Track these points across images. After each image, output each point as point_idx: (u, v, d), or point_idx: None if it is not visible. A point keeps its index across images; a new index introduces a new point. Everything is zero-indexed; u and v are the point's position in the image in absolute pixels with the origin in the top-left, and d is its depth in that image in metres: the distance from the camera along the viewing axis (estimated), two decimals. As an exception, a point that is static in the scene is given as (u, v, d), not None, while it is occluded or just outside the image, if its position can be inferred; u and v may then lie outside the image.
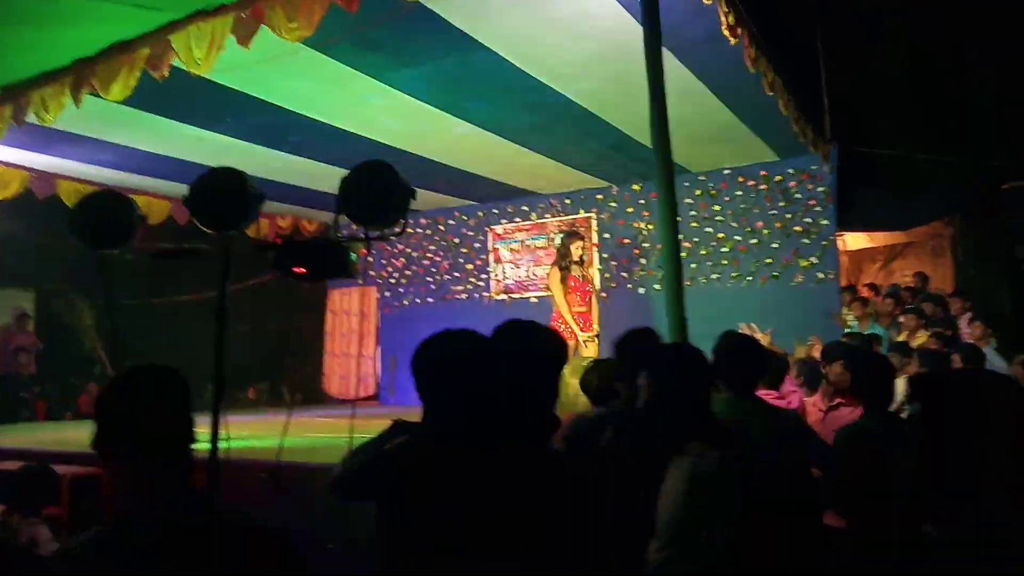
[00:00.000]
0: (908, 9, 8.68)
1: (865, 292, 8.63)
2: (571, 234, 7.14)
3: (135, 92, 5.07)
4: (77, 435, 6.14)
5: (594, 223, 9.34)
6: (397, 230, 2.70)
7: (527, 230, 9.83)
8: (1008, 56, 8.21)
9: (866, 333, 6.98)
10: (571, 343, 6.36)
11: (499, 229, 10.01)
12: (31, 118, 5.65)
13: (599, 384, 3.19)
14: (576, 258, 6.79)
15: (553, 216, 9.65)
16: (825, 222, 8.04)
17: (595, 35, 5.13)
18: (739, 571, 2.09)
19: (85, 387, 10.96)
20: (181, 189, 3.02)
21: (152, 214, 8.54)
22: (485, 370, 1.98)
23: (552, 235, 9.61)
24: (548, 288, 6.99)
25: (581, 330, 6.58)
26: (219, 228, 2.74)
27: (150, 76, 4.93)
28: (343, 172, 2.70)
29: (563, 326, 6.52)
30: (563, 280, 6.71)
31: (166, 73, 4.89)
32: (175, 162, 7.48)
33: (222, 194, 2.72)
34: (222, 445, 2.06)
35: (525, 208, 9.81)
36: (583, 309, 6.74)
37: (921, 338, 6.64)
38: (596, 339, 6.70)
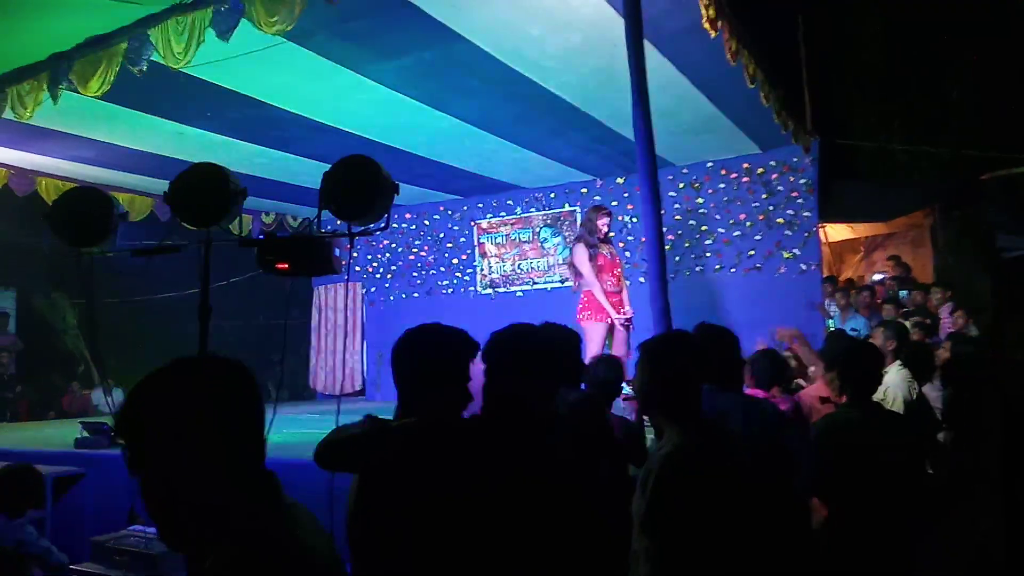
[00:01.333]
0: (888, 1, 8.74)
1: (847, 286, 8.70)
2: (597, 208, 6.41)
3: (114, 87, 5.04)
4: (60, 434, 6.10)
5: (578, 216, 9.34)
6: (381, 225, 2.70)
7: (512, 224, 9.83)
8: (987, 47, 8.29)
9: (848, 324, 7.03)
10: (605, 323, 5.96)
11: (484, 223, 10.00)
12: (8, 114, 5.58)
13: None
14: (602, 234, 6.21)
15: (538, 210, 9.66)
16: (807, 214, 8.08)
17: (577, 27, 5.12)
18: (710, 562, 2.07)
19: (68, 386, 10.87)
20: (162, 185, 2.99)
21: (133, 211, 8.48)
22: (454, 363, 2.05)
23: (537, 228, 9.62)
24: (571, 267, 6.29)
25: (616, 312, 5.99)
26: (201, 224, 2.72)
27: (129, 71, 4.90)
28: (326, 167, 2.69)
29: (591, 314, 6.00)
30: (592, 258, 6.08)
31: (144, 68, 4.85)
32: (156, 158, 7.41)
33: (204, 190, 2.71)
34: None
35: (510, 202, 9.81)
36: (615, 290, 6.16)
37: (903, 328, 6.69)
38: (630, 323, 6.06)
